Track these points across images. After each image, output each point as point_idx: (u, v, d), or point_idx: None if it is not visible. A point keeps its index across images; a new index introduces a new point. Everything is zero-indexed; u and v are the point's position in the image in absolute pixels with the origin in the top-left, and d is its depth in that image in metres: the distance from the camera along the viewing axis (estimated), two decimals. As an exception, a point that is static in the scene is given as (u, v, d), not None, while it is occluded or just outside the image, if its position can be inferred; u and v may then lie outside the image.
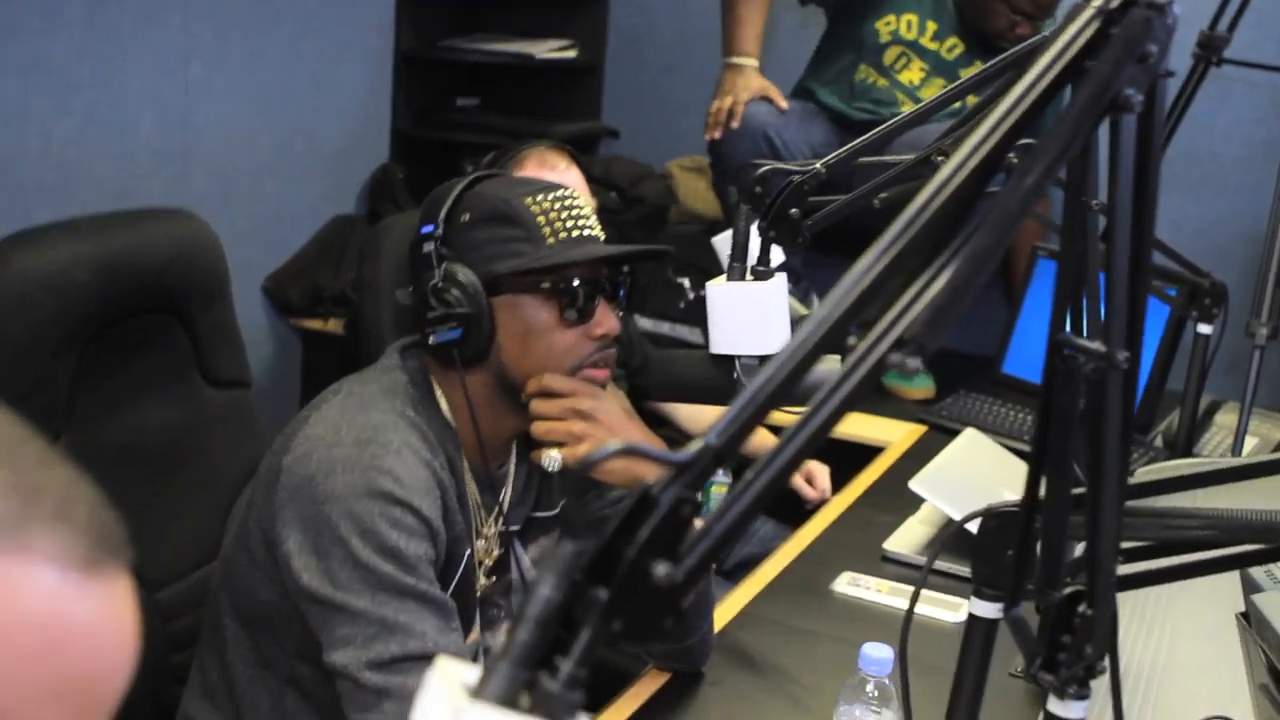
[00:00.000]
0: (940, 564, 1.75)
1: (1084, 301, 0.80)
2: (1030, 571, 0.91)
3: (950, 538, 1.23)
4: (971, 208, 0.68)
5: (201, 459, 1.74)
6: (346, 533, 1.32)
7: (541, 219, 1.41)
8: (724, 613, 1.72)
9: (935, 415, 2.60)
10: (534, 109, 3.55)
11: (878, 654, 1.34)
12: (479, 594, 1.52)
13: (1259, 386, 2.19)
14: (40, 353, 1.53)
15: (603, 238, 1.46)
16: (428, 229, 1.43)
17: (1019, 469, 1.29)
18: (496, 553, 1.55)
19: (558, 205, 1.43)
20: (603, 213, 2.11)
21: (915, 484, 1.92)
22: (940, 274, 0.64)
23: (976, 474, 2.05)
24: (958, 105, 1.68)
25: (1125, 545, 0.94)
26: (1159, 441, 2.38)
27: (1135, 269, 0.78)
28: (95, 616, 0.53)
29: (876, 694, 1.35)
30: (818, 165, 1.40)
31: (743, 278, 1.43)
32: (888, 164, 1.41)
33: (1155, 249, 0.84)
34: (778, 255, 1.44)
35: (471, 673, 0.56)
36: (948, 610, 1.74)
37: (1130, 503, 0.94)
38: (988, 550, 0.95)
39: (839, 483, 2.32)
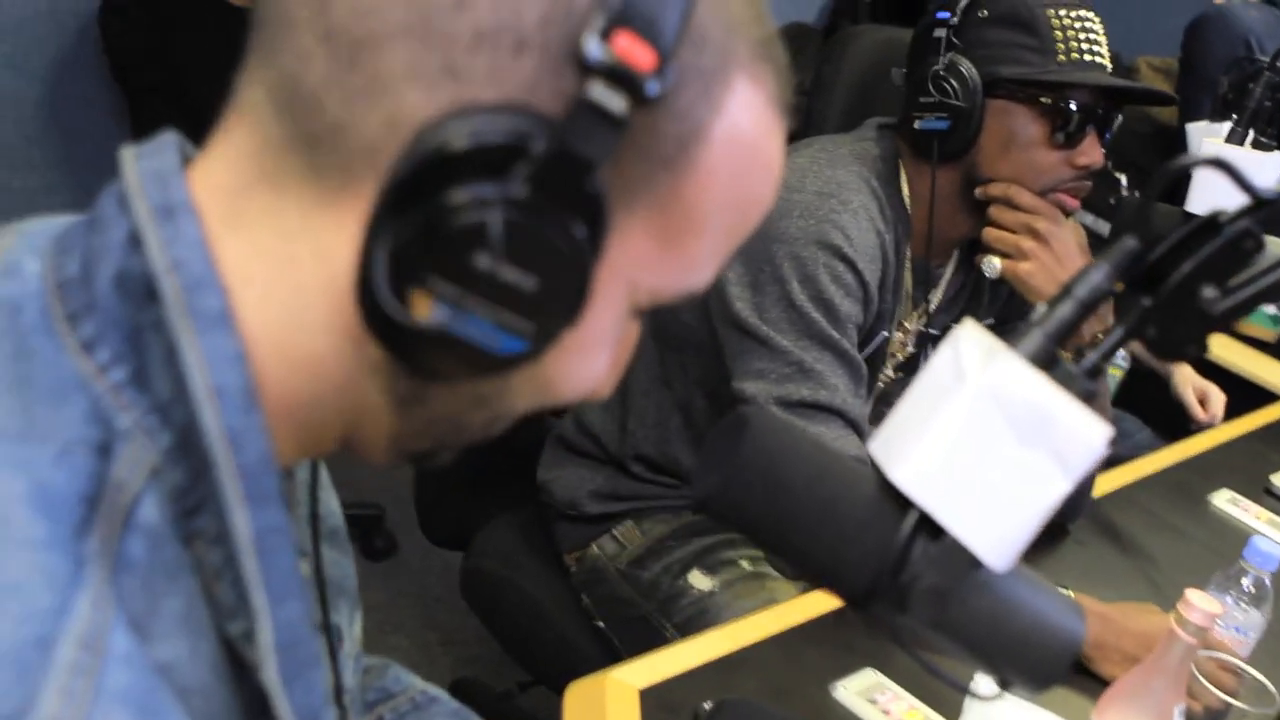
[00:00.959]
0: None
1: None
2: None
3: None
4: None
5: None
6: (788, 274, 1.36)
7: (1059, 34, 1.39)
8: (1101, 486, 1.71)
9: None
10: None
11: (1267, 547, 1.30)
12: (880, 385, 1.56)
13: None
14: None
15: (1110, 69, 1.43)
16: (943, 15, 1.42)
17: None
18: (910, 350, 1.57)
19: (1078, 24, 1.40)
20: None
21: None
22: None
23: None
24: None
25: None
26: None
27: None
28: (776, 153, 0.57)
29: (1252, 590, 1.31)
30: None
31: (1241, 144, 1.38)
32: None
33: None
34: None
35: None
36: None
37: None
38: None
39: (1229, 419, 2.22)
